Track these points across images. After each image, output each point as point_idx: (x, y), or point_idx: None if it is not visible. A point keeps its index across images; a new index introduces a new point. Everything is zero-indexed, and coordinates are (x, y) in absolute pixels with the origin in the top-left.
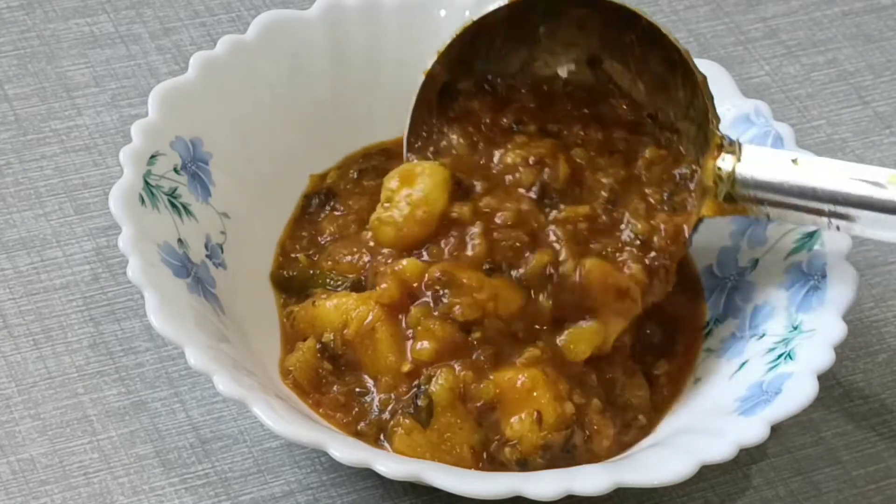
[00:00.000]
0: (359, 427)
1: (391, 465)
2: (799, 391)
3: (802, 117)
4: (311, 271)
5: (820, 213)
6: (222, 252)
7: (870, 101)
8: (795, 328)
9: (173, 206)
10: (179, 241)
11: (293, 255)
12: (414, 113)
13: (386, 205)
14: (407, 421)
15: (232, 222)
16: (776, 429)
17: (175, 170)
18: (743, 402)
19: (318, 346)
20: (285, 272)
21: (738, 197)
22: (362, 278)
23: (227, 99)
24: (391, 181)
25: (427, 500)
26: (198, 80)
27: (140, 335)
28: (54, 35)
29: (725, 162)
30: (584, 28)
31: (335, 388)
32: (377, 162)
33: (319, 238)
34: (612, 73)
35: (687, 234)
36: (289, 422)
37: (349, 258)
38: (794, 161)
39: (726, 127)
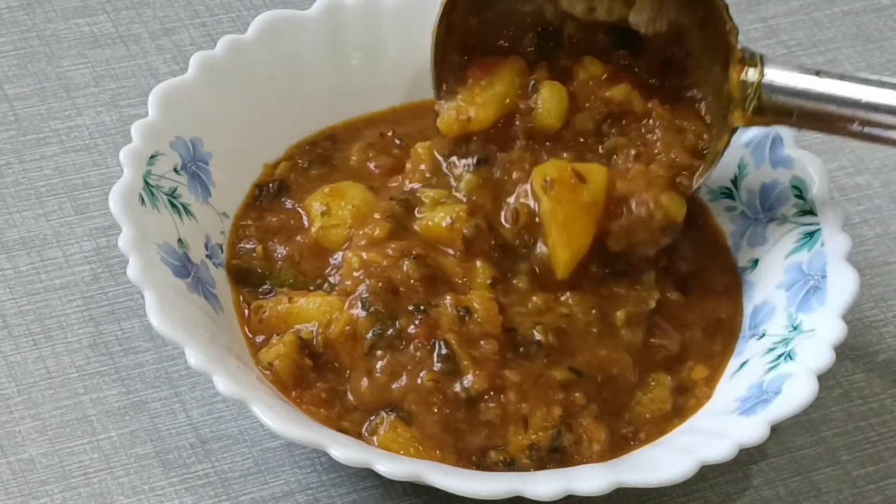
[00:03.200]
0: (342, 423)
1: (391, 465)
2: (799, 391)
3: None
4: (278, 268)
5: (851, 119)
6: (222, 252)
7: None
8: (795, 328)
9: (173, 206)
10: (179, 241)
11: (247, 247)
12: (434, 56)
13: (322, 216)
14: (391, 417)
15: (232, 222)
16: (776, 429)
17: (175, 170)
18: (743, 402)
19: (298, 342)
20: (246, 265)
21: (767, 107)
22: (330, 280)
23: (227, 99)
24: (315, 202)
25: (427, 500)
26: (198, 80)
27: (140, 335)
28: (54, 35)
29: (749, 74)
30: None
31: (318, 384)
32: (322, 150)
33: (275, 232)
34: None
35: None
36: (289, 422)
37: (313, 262)
38: (819, 73)
39: None
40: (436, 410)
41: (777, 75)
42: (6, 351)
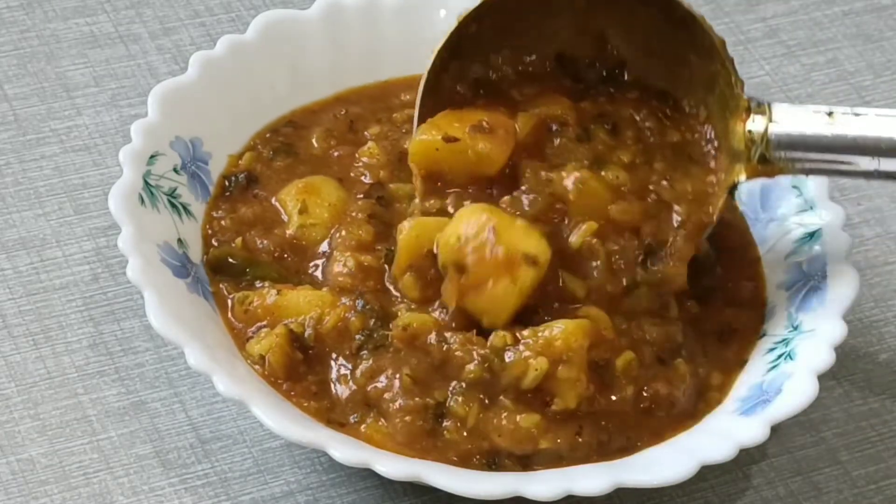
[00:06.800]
0: (331, 415)
1: (391, 465)
2: (799, 391)
3: None
4: (262, 262)
5: (865, 173)
6: None
7: (870, 101)
8: (795, 328)
9: (173, 206)
10: (179, 241)
11: (225, 239)
12: (423, 97)
13: (300, 214)
14: (373, 412)
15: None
16: (776, 429)
17: (175, 170)
18: (743, 402)
19: (289, 335)
20: (227, 256)
21: (773, 159)
22: (313, 274)
23: (227, 99)
24: (290, 199)
25: (427, 500)
26: (198, 80)
27: (140, 335)
28: (54, 35)
29: (756, 124)
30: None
31: (308, 377)
32: (284, 137)
33: (250, 224)
34: (619, 48)
35: (713, 213)
36: (289, 422)
37: (293, 257)
38: (830, 114)
39: None
40: (408, 418)
41: (785, 125)
42: (6, 351)
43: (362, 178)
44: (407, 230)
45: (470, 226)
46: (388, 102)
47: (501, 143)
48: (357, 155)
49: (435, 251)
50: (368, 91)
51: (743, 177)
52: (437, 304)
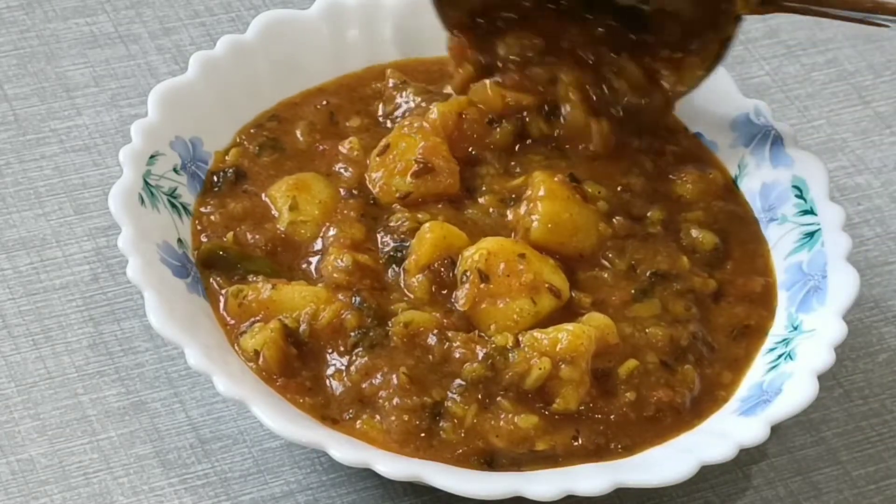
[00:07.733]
0: (326, 411)
1: (391, 465)
2: (799, 391)
3: (802, 117)
4: (256, 257)
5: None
6: None
7: (870, 101)
8: (795, 328)
9: (173, 205)
10: (179, 240)
11: (215, 234)
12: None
13: (291, 210)
14: (367, 410)
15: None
16: (776, 429)
17: (175, 170)
18: (743, 402)
19: (283, 330)
20: (219, 250)
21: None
22: (305, 269)
23: (227, 99)
24: (280, 195)
25: (427, 500)
26: (197, 80)
27: (140, 335)
28: (54, 35)
29: None
30: None
31: (303, 373)
32: (269, 131)
33: (240, 219)
34: None
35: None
36: (289, 422)
37: (285, 252)
38: None
39: (726, 127)
40: (405, 417)
41: None
42: (6, 351)
43: (346, 172)
44: (433, 231)
45: (503, 249)
46: (362, 92)
47: (447, 173)
48: (339, 148)
49: (457, 258)
50: (346, 80)
51: (745, 10)
52: (441, 307)
